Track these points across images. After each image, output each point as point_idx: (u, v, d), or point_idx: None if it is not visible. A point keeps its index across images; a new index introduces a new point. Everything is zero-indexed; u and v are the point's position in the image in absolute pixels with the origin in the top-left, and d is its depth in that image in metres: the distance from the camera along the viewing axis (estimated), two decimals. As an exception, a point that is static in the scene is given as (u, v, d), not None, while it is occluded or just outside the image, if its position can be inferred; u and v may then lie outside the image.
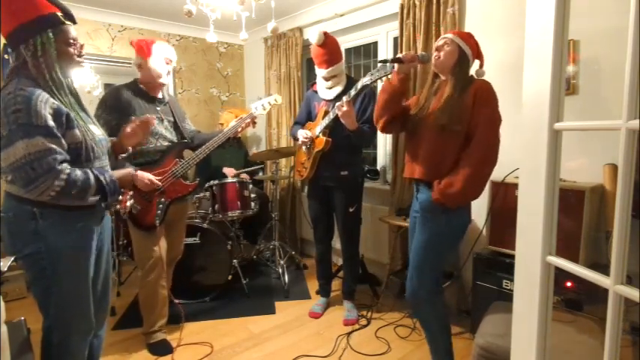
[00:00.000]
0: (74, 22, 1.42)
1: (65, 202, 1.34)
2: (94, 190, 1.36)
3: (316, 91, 2.52)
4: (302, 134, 2.45)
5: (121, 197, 1.52)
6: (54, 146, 1.26)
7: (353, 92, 2.08)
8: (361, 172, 2.59)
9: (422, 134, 1.75)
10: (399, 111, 1.84)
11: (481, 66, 1.80)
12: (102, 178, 1.37)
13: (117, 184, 1.44)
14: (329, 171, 2.42)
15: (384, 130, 1.91)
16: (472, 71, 1.75)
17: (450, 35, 1.74)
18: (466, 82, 1.68)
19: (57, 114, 1.28)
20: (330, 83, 2.39)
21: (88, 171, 1.35)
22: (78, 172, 1.31)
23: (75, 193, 1.30)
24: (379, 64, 1.87)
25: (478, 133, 1.60)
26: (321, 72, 2.38)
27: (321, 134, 2.36)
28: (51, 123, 1.26)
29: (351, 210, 2.47)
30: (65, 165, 1.29)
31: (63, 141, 1.30)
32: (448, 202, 1.64)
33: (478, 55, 1.77)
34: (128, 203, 1.54)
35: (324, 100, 2.45)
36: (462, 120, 1.63)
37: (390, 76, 1.82)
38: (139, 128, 1.72)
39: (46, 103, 1.25)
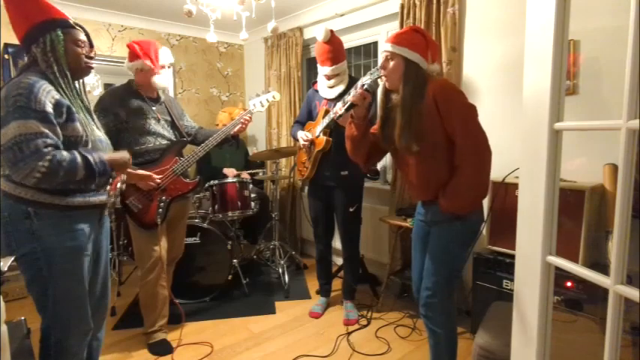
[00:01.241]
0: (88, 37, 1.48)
1: (60, 202, 1.34)
2: (83, 171, 1.34)
3: (317, 90, 2.51)
4: (302, 136, 2.44)
5: (111, 180, 1.50)
6: (46, 131, 1.27)
7: (353, 92, 2.08)
8: (361, 172, 2.59)
9: (403, 158, 1.65)
10: (370, 148, 1.76)
11: (433, 60, 1.60)
12: (90, 157, 1.36)
13: (106, 164, 1.42)
14: (329, 171, 2.42)
15: (367, 167, 1.86)
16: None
17: (388, 46, 1.59)
18: (419, 87, 1.54)
19: (58, 104, 1.31)
20: (332, 82, 2.38)
21: (75, 152, 1.34)
22: (64, 153, 1.31)
23: (62, 174, 1.29)
24: (342, 110, 1.71)
25: (458, 137, 1.49)
26: (324, 70, 2.37)
27: (321, 134, 2.35)
28: (49, 109, 1.28)
29: (351, 210, 2.47)
30: (51, 148, 1.29)
31: (58, 129, 1.31)
32: (459, 211, 1.56)
33: (428, 49, 1.58)
34: (118, 185, 1.51)
35: (326, 99, 2.44)
36: (432, 133, 1.52)
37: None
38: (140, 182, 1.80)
39: (48, 93, 1.29)
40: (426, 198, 1.66)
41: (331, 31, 2.32)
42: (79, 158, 1.33)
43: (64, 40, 1.37)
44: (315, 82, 2.56)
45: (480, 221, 1.68)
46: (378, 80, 1.68)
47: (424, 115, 1.52)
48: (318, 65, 2.41)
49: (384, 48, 1.62)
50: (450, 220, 1.59)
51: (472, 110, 1.52)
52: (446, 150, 1.54)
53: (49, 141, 1.28)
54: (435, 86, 1.53)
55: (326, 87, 2.42)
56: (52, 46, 1.35)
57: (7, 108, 1.24)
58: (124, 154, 1.55)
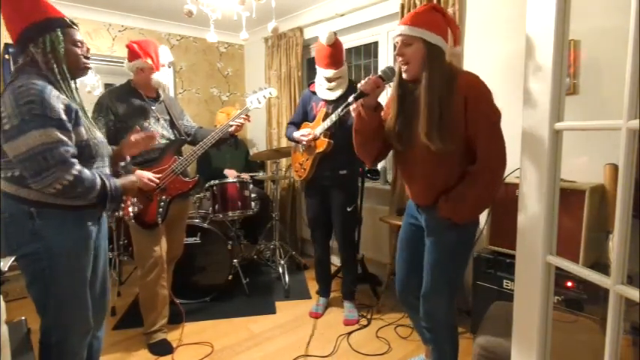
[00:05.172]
0: None
1: (62, 202, 1.34)
2: (97, 193, 1.37)
3: (314, 92, 2.50)
4: (302, 134, 2.42)
5: (122, 204, 1.55)
6: (65, 139, 1.29)
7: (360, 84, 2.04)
8: (359, 171, 2.59)
9: (412, 154, 1.51)
10: (381, 144, 1.58)
11: (456, 43, 1.44)
12: (107, 183, 1.40)
13: (120, 191, 1.46)
14: (328, 170, 2.42)
15: (373, 166, 1.70)
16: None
17: (404, 29, 1.37)
18: (447, 78, 1.38)
19: (68, 109, 1.33)
20: (333, 84, 2.38)
21: (96, 173, 1.38)
22: (87, 172, 1.34)
23: (79, 191, 1.32)
24: (350, 99, 1.52)
25: (480, 145, 1.39)
26: (326, 72, 2.36)
27: (322, 136, 2.36)
28: (63, 116, 1.30)
29: (348, 209, 2.47)
30: (76, 160, 1.31)
31: (72, 135, 1.34)
32: (458, 220, 1.48)
33: (447, 30, 1.40)
34: (130, 209, 1.57)
35: (324, 100, 2.44)
36: (456, 131, 1.38)
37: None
38: (142, 140, 1.74)
39: (58, 98, 1.30)
40: (426, 202, 1.56)
41: (335, 34, 2.32)
42: (98, 180, 1.37)
43: (64, 41, 1.36)
44: (312, 83, 2.56)
45: (474, 230, 1.62)
46: (396, 69, 1.49)
47: (452, 111, 1.38)
48: (318, 67, 2.41)
49: (398, 31, 1.40)
50: (445, 227, 1.51)
51: (498, 117, 1.41)
52: (460, 153, 1.43)
53: (70, 150, 1.30)
54: (467, 82, 1.39)
55: (325, 89, 2.41)
56: (53, 46, 1.34)
57: (22, 116, 1.23)
58: (133, 181, 1.59)
